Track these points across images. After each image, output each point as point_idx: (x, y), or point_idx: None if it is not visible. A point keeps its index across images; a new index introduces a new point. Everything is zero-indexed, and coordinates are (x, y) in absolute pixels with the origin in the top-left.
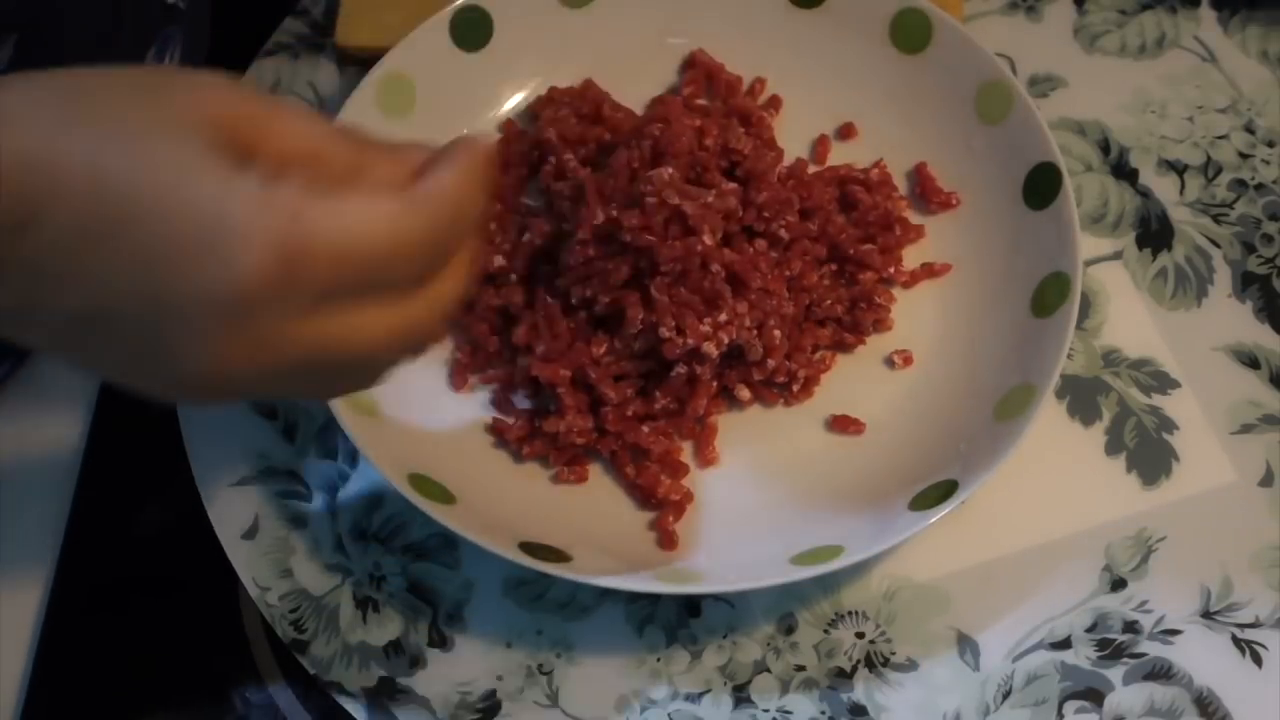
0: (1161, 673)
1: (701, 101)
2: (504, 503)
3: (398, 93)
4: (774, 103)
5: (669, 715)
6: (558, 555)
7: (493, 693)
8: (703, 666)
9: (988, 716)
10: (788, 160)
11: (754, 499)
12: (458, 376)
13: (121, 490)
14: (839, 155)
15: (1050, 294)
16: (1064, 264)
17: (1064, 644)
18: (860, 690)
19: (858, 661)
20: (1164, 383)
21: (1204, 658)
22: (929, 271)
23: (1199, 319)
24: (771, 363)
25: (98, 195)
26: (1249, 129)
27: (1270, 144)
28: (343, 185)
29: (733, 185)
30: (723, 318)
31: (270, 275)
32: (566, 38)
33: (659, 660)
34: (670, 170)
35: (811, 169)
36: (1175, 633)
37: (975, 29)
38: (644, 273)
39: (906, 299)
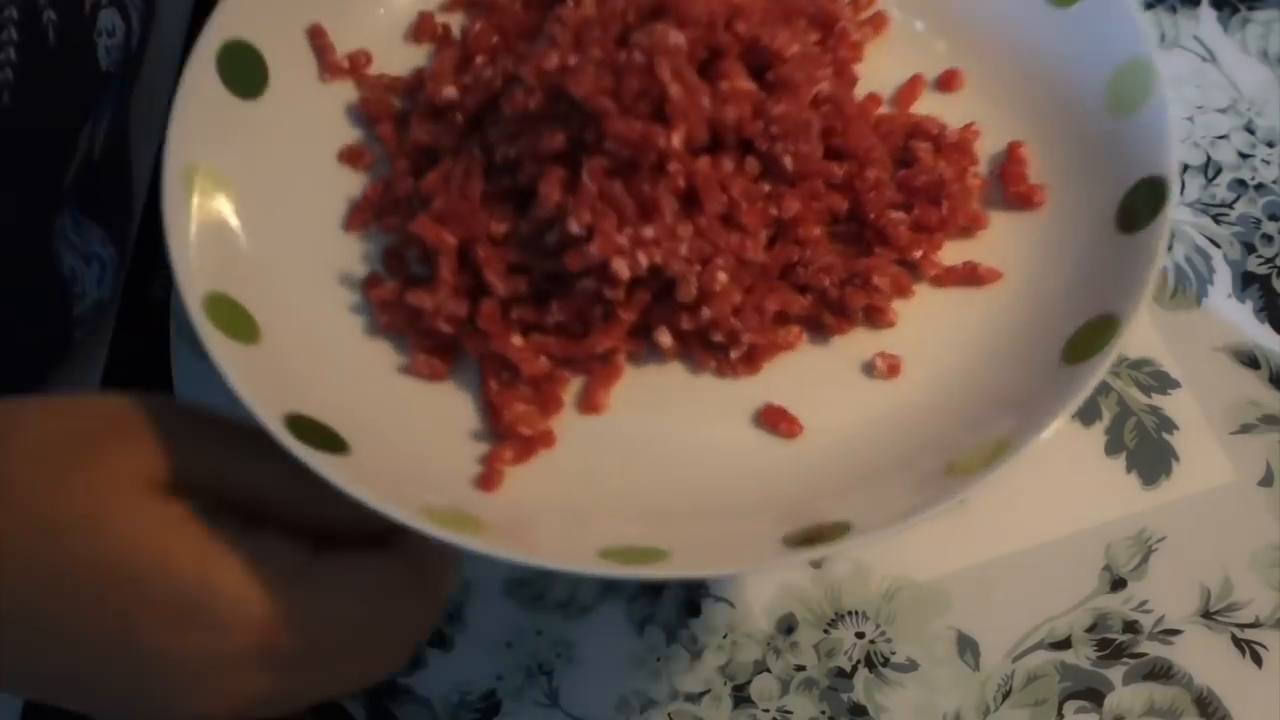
0: (1161, 673)
1: None
2: (312, 364)
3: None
4: (876, 22)
5: (669, 715)
6: (335, 443)
7: (493, 692)
8: (703, 666)
9: (988, 716)
10: (863, 94)
11: (618, 469)
12: (357, 214)
13: None
14: (930, 106)
15: (1091, 339)
16: (1120, 307)
17: (1064, 644)
18: (860, 690)
19: (858, 661)
20: (1164, 382)
21: (1204, 658)
22: (970, 274)
23: (1199, 319)
24: (706, 312)
25: (54, 569)
26: (1249, 129)
27: (1270, 144)
28: (318, 538)
29: (749, 87)
30: (650, 233)
31: (251, 646)
32: None
33: (659, 660)
34: (679, 37)
35: (885, 111)
36: (1175, 633)
37: None
38: (582, 148)
39: (929, 300)
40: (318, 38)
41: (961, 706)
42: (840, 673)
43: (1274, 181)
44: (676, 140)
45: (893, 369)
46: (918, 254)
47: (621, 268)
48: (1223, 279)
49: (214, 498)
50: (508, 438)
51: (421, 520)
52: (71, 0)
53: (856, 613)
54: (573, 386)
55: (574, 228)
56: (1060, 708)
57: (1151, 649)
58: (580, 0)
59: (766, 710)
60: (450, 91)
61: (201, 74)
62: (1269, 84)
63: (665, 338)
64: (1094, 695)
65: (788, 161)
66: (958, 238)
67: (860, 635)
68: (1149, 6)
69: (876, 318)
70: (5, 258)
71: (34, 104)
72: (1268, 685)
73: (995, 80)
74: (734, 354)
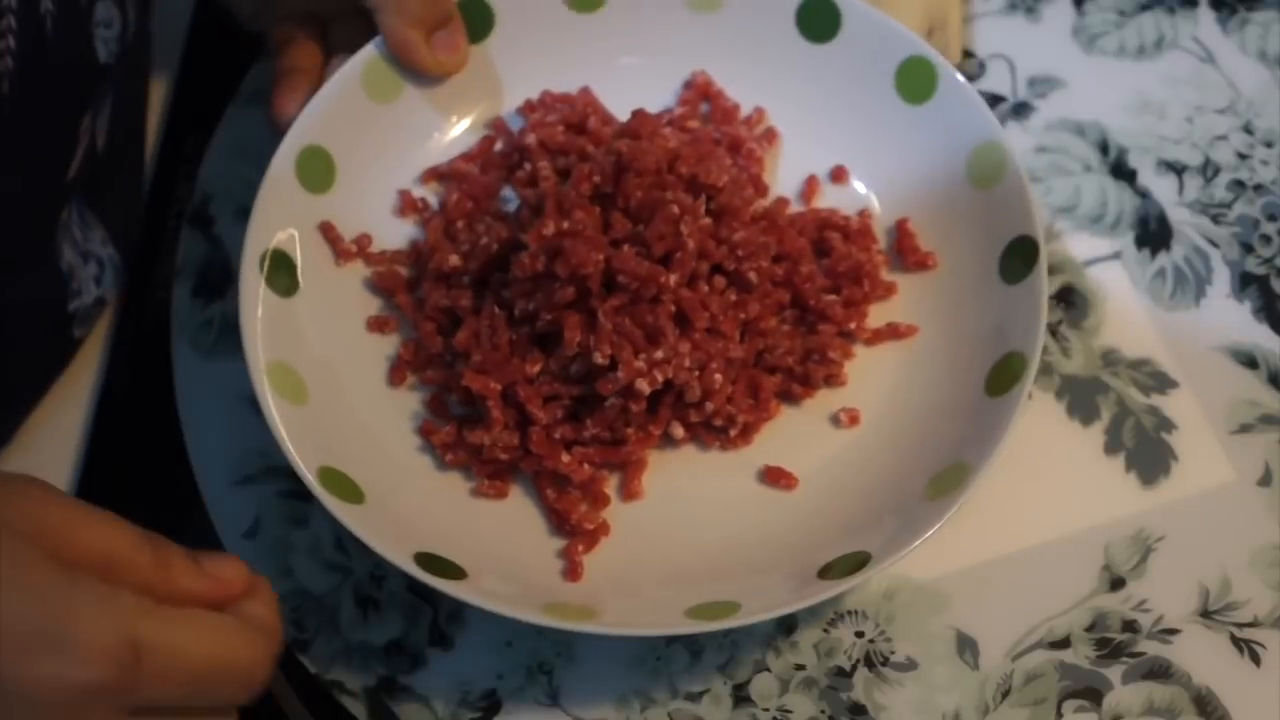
0: (1160, 672)
1: (694, 124)
2: (414, 508)
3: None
4: (770, 135)
5: (669, 715)
6: (455, 571)
7: (493, 691)
8: (703, 666)
9: (987, 716)
10: (773, 198)
11: (670, 540)
12: (397, 372)
13: (122, 490)
14: (828, 199)
15: (1006, 373)
16: (1024, 345)
17: (1063, 643)
18: (860, 689)
19: (857, 661)
20: (1163, 382)
21: (1203, 657)
22: (893, 332)
23: (1197, 319)
24: (710, 406)
25: None
26: (1247, 129)
27: (1269, 144)
28: (161, 598)
29: (707, 223)
30: (660, 355)
31: (107, 678)
32: (570, 43)
33: (659, 660)
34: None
35: (795, 209)
36: (1174, 632)
37: (975, 30)
38: (589, 293)
39: (867, 357)
40: (328, 231)
41: (961, 705)
42: (840, 672)
43: (1272, 182)
44: (674, 280)
45: (853, 419)
46: (852, 325)
47: (644, 386)
48: (1221, 279)
49: (70, 559)
50: (576, 534)
51: (553, 618)
52: None
53: (856, 612)
54: (610, 481)
55: (599, 359)
56: (1059, 707)
57: (1150, 648)
58: (535, 165)
59: (766, 709)
60: (454, 260)
61: (254, 283)
62: (1267, 85)
63: (678, 430)
64: (1093, 694)
65: (752, 276)
66: (876, 303)
67: (860, 634)
68: (1147, 8)
69: (833, 381)
70: (8, 247)
71: (34, 95)
72: (1266, 685)
73: (874, 170)
74: (733, 432)
